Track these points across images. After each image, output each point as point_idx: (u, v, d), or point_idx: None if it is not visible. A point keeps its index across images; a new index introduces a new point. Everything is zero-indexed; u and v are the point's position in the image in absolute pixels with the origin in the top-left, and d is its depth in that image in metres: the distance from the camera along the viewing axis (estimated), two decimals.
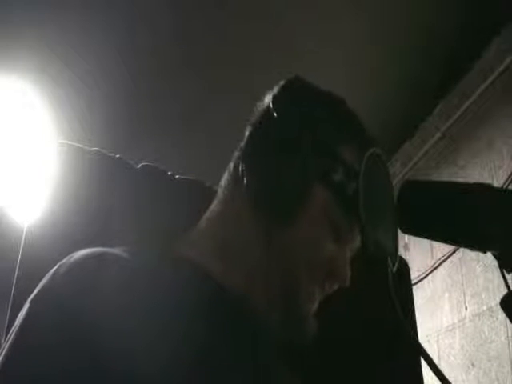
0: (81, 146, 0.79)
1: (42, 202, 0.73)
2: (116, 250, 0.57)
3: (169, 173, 0.82)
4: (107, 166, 0.79)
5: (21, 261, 0.70)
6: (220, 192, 0.69)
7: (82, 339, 0.47)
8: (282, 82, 0.69)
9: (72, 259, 0.53)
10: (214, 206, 0.69)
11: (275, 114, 0.65)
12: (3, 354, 0.48)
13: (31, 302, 0.51)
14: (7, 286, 0.71)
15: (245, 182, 0.64)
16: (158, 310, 0.51)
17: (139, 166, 0.81)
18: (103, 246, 0.59)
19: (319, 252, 0.63)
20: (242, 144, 0.68)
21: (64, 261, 0.54)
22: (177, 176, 0.82)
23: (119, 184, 0.78)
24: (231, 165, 0.69)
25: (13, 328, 0.50)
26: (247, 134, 0.68)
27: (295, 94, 0.68)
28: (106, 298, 0.49)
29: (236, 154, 0.68)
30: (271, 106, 0.66)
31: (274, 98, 0.66)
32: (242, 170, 0.64)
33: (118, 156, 0.81)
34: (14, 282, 0.68)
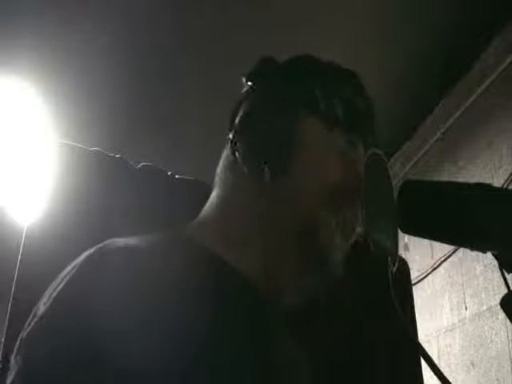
0: (81, 146, 0.80)
1: (42, 202, 0.73)
2: (127, 240, 0.56)
3: (168, 173, 0.82)
4: (107, 166, 0.79)
5: (21, 261, 0.70)
6: (217, 179, 0.70)
7: (85, 341, 0.47)
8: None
9: (85, 258, 0.53)
10: (214, 193, 0.69)
11: (252, 86, 0.70)
12: (16, 352, 0.49)
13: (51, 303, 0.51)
14: (7, 286, 0.71)
15: (237, 155, 0.65)
16: (160, 305, 0.51)
17: (139, 166, 0.81)
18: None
19: (329, 181, 0.64)
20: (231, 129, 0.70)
21: (76, 262, 0.53)
22: (177, 176, 0.82)
23: (119, 184, 0.78)
24: (224, 152, 0.71)
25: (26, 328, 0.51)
26: (232, 119, 0.70)
27: (264, 67, 0.72)
28: (108, 300, 0.49)
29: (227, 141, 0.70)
30: (247, 82, 0.70)
31: (248, 75, 0.71)
32: (234, 148, 0.66)
33: (117, 156, 0.81)
34: (14, 282, 0.68)
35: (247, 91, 0.71)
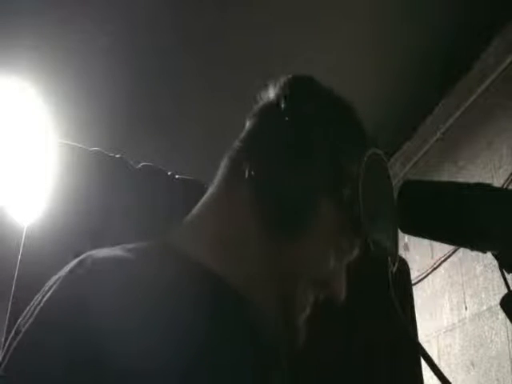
0: (81, 146, 0.80)
1: (42, 202, 0.73)
2: (112, 251, 0.56)
3: (168, 173, 0.82)
4: (107, 166, 0.79)
5: (21, 261, 0.70)
6: (215, 186, 0.66)
7: (84, 341, 0.47)
8: (289, 77, 0.65)
9: (72, 265, 0.53)
10: (208, 199, 0.66)
11: (286, 113, 0.61)
12: (9, 351, 0.48)
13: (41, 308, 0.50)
14: (7, 285, 0.71)
15: (250, 182, 0.60)
16: (157, 307, 0.51)
17: (139, 166, 0.81)
18: (102, 245, 0.59)
19: (322, 268, 0.63)
20: (243, 137, 0.65)
21: (66, 269, 0.53)
22: (176, 176, 0.82)
23: (119, 184, 0.78)
24: (228, 159, 0.65)
25: (20, 329, 0.50)
26: (250, 127, 0.65)
27: (306, 93, 0.65)
28: (105, 300, 0.49)
29: (235, 147, 0.65)
30: (281, 103, 0.62)
31: (284, 95, 0.63)
32: (247, 169, 0.60)
33: (117, 156, 0.81)
34: (14, 281, 0.68)
35: (277, 107, 0.63)
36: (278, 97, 0.64)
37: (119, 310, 0.49)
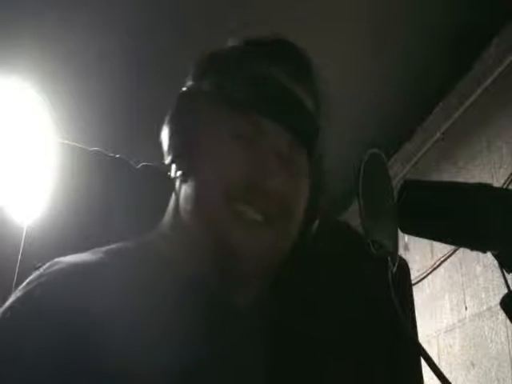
0: (81, 145, 0.80)
1: (42, 202, 0.73)
2: (79, 257, 0.57)
3: (168, 173, 0.82)
4: (107, 165, 0.79)
5: (21, 261, 0.70)
6: None
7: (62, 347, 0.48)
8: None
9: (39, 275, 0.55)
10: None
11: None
12: None
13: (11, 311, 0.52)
14: (7, 285, 0.70)
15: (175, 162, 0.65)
16: (125, 310, 0.52)
17: (139, 165, 0.81)
18: (102, 246, 0.59)
19: (229, 175, 0.59)
20: None
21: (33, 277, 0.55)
22: None
23: (119, 184, 0.78)
24: None
25: None
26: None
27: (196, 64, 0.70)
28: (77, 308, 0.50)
29: None
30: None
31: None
32: (169, 155, 0.66)
33: (117, 156, 0.81)
34: (14, 281, 0.68)
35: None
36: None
37: (98, 316, 0.50)
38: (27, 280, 0.54)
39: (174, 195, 0.65)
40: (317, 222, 0.67)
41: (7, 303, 0.53)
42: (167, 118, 0.67)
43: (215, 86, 0.62)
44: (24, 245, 0.70)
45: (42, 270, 0.55)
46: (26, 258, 0.70)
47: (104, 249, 0.59)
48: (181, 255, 0.61)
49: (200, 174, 0.61)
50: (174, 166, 0.64)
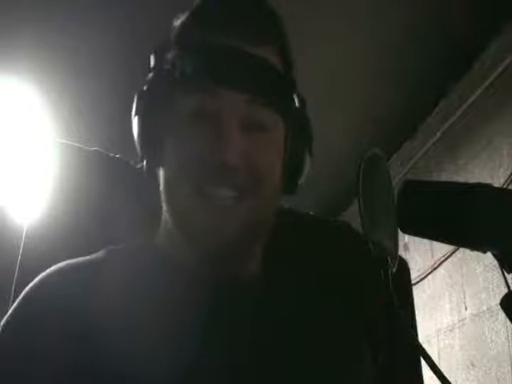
0: (80, 145, 0.80)
1: (42, 203, 0.73)
2: (79, 259, 0.57)
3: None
4: (107, 165, 0.79)
5: (21, 261, 0.70)
6: None
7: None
8: None
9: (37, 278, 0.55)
10: None
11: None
12: None
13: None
14: (7, 285, 0.70)
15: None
16: (124, 310, 0.52)
17: (139, 166, 0.80)
18: (101, 245, 0.59)
19: (190, 151, 0.58)
20: None
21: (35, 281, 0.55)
22: None
23: (119, 184, 0.78)
24: None
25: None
26: None
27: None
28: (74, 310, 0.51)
29: None
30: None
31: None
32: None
33: (117, 156, 0.81)
34: (14, 281, 0.68)
35: None
36: None
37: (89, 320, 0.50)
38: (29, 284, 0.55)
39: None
40: (303, 171, 0.64)
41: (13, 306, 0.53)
42: (133, 109, 0.66)
43: (170, 65, 0.61)
44: (24, 245, 0.70)
45: (43, 273, 0.55)
46: (25, 257, 0.70)
47: (102, 250, 0.59)
48: (172, 251, 0.61)
49: (165, 163, 0.60)
50: (144, 160, 0.63)
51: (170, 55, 0.61)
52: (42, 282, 0.54)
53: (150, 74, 0.64)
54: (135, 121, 0.64)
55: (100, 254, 0.59)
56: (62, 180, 0.75)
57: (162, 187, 0.61)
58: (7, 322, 0.52)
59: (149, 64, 0.65)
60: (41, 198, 0.74)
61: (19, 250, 0.70)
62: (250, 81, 0.58)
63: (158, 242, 0.64)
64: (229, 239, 0.57)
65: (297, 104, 0.63)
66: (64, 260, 0.58)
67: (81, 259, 0.57)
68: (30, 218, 0.72)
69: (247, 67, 0.58)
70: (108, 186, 0.77)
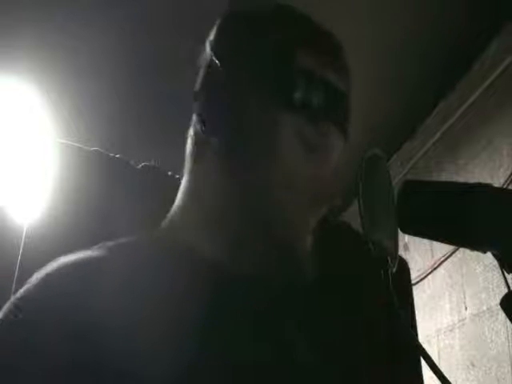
0: (80, 145, 0.80)
1: (42, 202, 0.73)
2: (81, 254, 0.56)
3: (169, 173, 0.82)
4: (107, 166, 0.79)
5: (21, 261, 0.70)
6: (185, 164, 0.67)
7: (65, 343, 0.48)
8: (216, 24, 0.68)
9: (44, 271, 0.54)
10: (184, 179, 0.66)
11: (216, 59, 0.63)
12: None
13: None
14: (7, 285, 0.70)
15: (213, 145, 0.62)
16: (139, 307, 0.51)
17: (139, 166, 0.81)
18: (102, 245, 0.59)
19: (297, 176, 0.60)
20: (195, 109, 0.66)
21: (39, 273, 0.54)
22: (177, 176, 0.82)
23: (119, 184, 0.78)
24: (190, 133, 0.67)
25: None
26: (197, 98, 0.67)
27: (229, 30, 0.67)
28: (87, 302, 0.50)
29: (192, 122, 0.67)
30: (210, 52, 0.65)
31: (211, 43, 0.66)
32: (202, 130, 0.63)
33: (117, 156, 0.81)
34: (14, 281, 0.68)
35: (210, 59, 0.66)
36: (208, 55, 0.66)
37: (99, 316, 0.49)
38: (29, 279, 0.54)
39: (191, 172, 0.63)
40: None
41: (9, 302, 0.53)
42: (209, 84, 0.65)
43: (265, 77, 0.61)
44: (24, 245, 0.70)
45: (43, 268, 0.55)
46: (26, 257, 0.70)
47: (108, 244, 0.58)
48: (200, 240, 0.60)
49: (257, 166, 0.60)
50: (205, 132, 0.62)
51: (284, 70, 0.61)
52: (41, 277, 0.54)
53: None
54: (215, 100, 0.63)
55: (102, 248, 0.58)
56: (62, 180, 0.75)
57: (235, 182, 0.60)
58: (5, 316, 0.52)
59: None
60: (41, 198, 0.74)
61: (19, 249, 0.70)
62: (347, 119, 0.66)
63: (170, 231, 0.62)
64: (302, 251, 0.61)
65: None
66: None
67: (81, 255, 0.57)
68: (29, 217, 0.72)
69: (346, 107, 0.66)
70: (108, 186, 0.77)
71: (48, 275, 0.54)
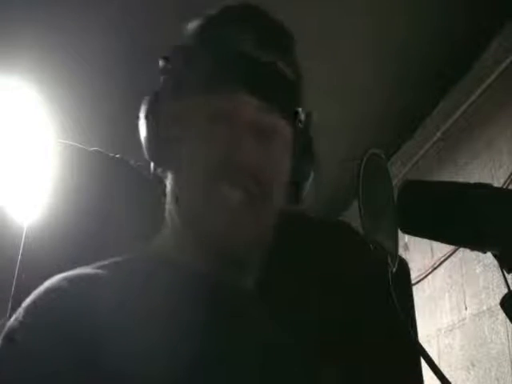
0: (80, 145, 0.80)
1: (42, 203, 0.73)
2: (81, 270, 0.56)
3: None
4: (107, 165, 0.79)
5: (21, 261, 0.70)
6: None
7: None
8: None
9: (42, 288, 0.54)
10: None
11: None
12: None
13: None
14: (7, 285, 0.70)
15: None
16: (128, 319, 0.51)
17: (139, 165, 0.81)
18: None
19: (207, 153, 0.58)
20: None
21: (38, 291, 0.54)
22: None
23: (119, 184, 0.78)
24: None
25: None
26: None
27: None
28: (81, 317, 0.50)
29: None
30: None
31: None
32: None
33: (117, 156, 0.81)
34: (14, 281, 0.68)
35: None
36: None
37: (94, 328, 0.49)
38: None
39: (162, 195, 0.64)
40: (304, 188, 0.66)
41: (15, 315, 0.53)
42: (142, 111, 0.66)
43: (188, 69, 0.62)
44: (24, 245, 0.70)
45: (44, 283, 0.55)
46: (26, 257, 0.70)
47: (103, 262, 0.59)
48: (177, 254, 0.61)
49: (178, 165, 0.60)
50: (153, 162, 0.64)
51: (187, 58, 0.63)
52: (47, 290, 0.54)
53: (164, 77, 0.66)
54: (144, 123, 0.65)
55: (102, 265, 0.58)
56: (62, 180, 0.75)
57: (171, 188, 0.62)
58: (12, 329, 0.52)
59: (159, 67, 0.67)
60: (41, 198, 0.74)
61: (19, 249, 0.70)
62: (264, 86, 0.60)
63: (159, 244, 0.64)
64: (241, 241, 0.58)
65: (303, 117, 0.65)
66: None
67: (83, 269, 0.57)
68: (29, 217, 0.72)
69: (264, 75, 0.60)
70: (108, 186, 0.77)
71: (53, 288, 0.53)
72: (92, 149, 0.79)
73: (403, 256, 0.94)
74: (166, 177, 0.63)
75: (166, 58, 0.67)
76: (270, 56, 0.61)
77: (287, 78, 0.63)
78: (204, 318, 0.55)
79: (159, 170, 0.63)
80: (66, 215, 0.73)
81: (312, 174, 0.67)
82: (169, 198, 0.62)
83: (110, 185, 0.77)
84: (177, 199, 0.61)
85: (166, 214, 0.64)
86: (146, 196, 0.77)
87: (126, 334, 0.50)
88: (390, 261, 0.61)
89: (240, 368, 0.54)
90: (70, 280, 0.54)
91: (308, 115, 0.66)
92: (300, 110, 0.64)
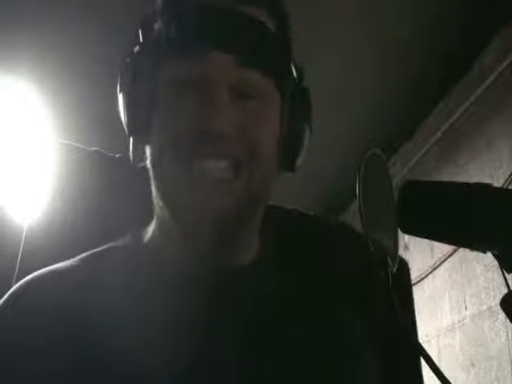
0: (80, 145, 0.80)
1: (42, 202, 0.73)
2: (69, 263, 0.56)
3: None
4: (107, 166, 0.79)
5: (21, 260, 0.70)
6: None
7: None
8: None
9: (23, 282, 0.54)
10: None
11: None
12: None
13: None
14: (7, 285, 0.70)
15: None
16: (112, 316, 0.51)
17: (139, 165, 0.81)
18: (101, 245, 0.59)
19: (177, 127, 0.53)
20: None
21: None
22: None
23: (119, 184, 0.78)
24: None
25: None
26: None
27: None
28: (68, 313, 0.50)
29: None
30: None
31: None
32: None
33: (117, 156, 0.81)
34: (14, 281, 0.68)
35: None
36: None
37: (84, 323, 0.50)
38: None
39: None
40: (302, 148, 0.60)
41: None
42: (117, 84, 0.60)
43: (155, 33, 0.58)
44: (24, 245, 0.70)
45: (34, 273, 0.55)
46: (26, 257, 0.70)
47: (84, 254, 0.58)
48: (162, 243, 0.59)
49: (152, 139, 0.56)
50: (131, 138, 0.59)
51: (154, 24, 0.58)
52: (34, 280, 0.54)
53: (135, 47, 0.61)
54: (120, 97, 0.60)
55: (80, 258, 0.58)
56: (62, 180, 0.75)
57: (149, 165, 0.57)
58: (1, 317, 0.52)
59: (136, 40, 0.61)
60: (41, 198, 0.74)
61: (19, 249, 0.70)
62: (239, 39, 0.53)
63: (148, 235, 0.62)
64: (224, 217, 0.52)
65: (294, 73, 0.59)
66: (63, 259, 0.58)
67: (70, 261, 0.57)
68: (29, 217, 0.72)
69: (234, 25, 0.53)
70: (108, 185, 0.77)
71: (40, 279, 0.54)
72: (92, 149, 0.79)
73: (403, 256, 0.94)
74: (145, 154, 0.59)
75: (139, 26, 0.62)
76: (246, 5, 0.55)
77: (269, 30, 0.56)
78: (185, 310, 0.53)
79: (137, 146, 0.59)
80: (65, 215, 0.73)
81: (307, 139, 0.60)
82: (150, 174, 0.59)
83: (110, 185, 0.77)
84: (154, 175, 0.57)
85: (154, 203, 0.60)
86: (146, 196, 0.78)
87: (113, 323, 0.50)
88: (390, 261, 0.61)
89: (225, 360, 0.54)
90: (31, 281, 0.54)
91: (299, 71, 0.60)
92: (288, 65, 0.58)
